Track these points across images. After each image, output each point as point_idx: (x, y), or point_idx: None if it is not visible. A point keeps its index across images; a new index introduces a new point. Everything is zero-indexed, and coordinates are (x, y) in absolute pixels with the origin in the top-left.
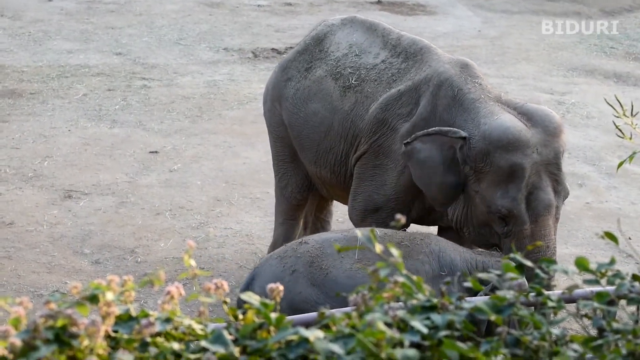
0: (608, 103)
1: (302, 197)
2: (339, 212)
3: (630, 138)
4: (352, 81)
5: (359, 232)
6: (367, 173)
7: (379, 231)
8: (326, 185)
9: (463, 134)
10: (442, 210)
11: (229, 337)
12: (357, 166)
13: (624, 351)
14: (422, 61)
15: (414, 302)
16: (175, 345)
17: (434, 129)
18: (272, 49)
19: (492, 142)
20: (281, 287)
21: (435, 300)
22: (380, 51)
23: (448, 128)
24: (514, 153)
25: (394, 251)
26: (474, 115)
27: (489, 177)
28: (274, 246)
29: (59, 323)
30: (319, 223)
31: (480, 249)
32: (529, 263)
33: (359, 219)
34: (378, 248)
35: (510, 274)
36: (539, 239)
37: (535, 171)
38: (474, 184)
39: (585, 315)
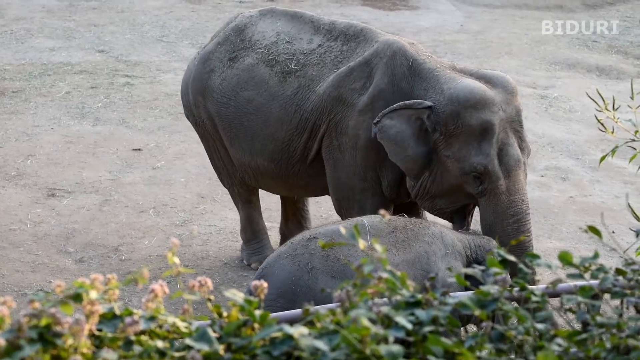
0: (590, 97)
1: (251, 185)
2: (323, 208)
3: (613, 132)
4: (292, 66)
5: (342, 229)
6: (332, 156)
7: (382, 218)
8: (259, 174)
9: (428, 103)
10: (414, 181)
11: (213, 335)
12: (323, 152)
13: (608, 345)
14: (366, 40)
15: (398, 298)
16: (160, 344)
17: (399, 104)
18: None
19: (460, 102)
20: (265, 284)
21: (419, 296)
22: (312, 37)
23: (413, 101)
24: (483, 111)
25: (378, 247)
26: (434, 83)
27: (461, 138)
28: (244, 230)
29: (43, 322)
30: (299, 212)
31: (467, 230)
32: (512, 258)
33: (343, 209)
34: (362, 244)
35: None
36: (513, 193)
37: (503, 128)
38: (444, 149)
39: (570, 310)
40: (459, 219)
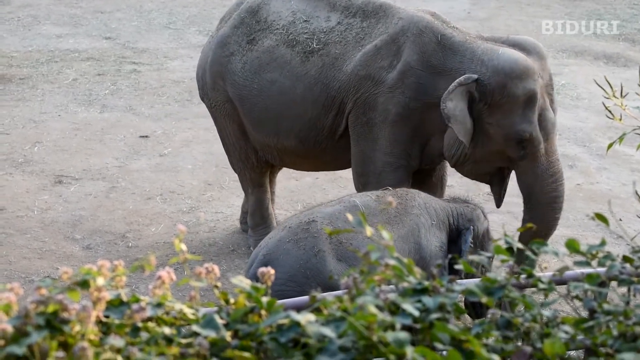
0: (598, 84)
1: (265, 165)
2: (330, 195)
3: (620, 119)
4: (314, 45)
5: (349, 215)
6: (358, 131)
7: (372, 194)
8: (284, 154)
9: (474, 76)
10: (455, 149)
11: (220, 322)
12: (350, 127)
13: (615, 332)
14: (387, 16)
15: (405, 284)
16: (167, 330)
17: (452, 85)
18: None
19: (506, 74)
20: (272, 271)
21: (426, 283)
22: (329, 14)
23: (462, 77)
24: (527, 80)
25: (385, 234)
26: (470, 55)
27: (505, 107)
28: (253, 215)
29: (50, 309)
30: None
31: (451, 197)
32: (520, 245)
33: (360, 184)
34: (369, 231)
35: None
36: (551, 154)
37: (541, 94)
38: (487, 117)
39: (576, 297)
40: (498, 180)
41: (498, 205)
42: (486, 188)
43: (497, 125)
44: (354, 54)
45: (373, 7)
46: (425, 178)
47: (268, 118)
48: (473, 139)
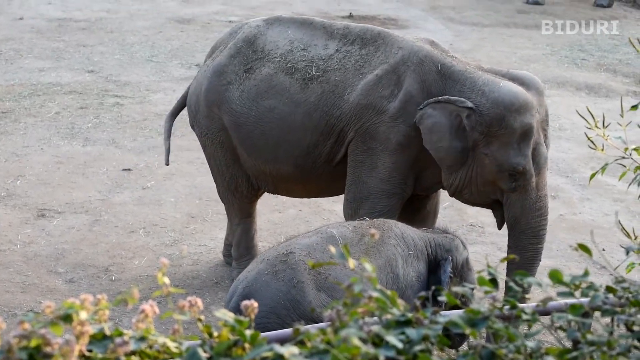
0: (580, 115)
1: (255, 194)
2: (314, 226)
3: (603, 149)
4: (313, 72)
5: (331, 247)
6: (357, 159)
7: (348, 225)
8: (279, 180)
9: (469, 104)
10: (449, 172)
11: (203, 355)
12: (349, 154)
13: None
14: (385, 44)
15: (389, 316)
16: None
17: (444, 97)
18: None
19: (505, 107)
20: (256, 304)
21: (409, 315)
22: (327, 42)
23: (456, 97)
24: (525, 115)
25: (368, 266)
26: (470, 85)
27: (501, 139)
28: (238, 245)
29: (33, 343)
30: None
31: (429, 228)
32: (502, 277)
33: (351, 209)
34: (352, 263)
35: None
36: (541, 188)
37: (537, 129)
38: (483, 147)
39: (560, 328)
40: (498, 205)
41: (499, 227)
42: (470, 219)
43: (492, 157)
44: (354, 82)
45: (371, 35)
46: (420, 207)
47: (266, 144)
48: (468, 167)
